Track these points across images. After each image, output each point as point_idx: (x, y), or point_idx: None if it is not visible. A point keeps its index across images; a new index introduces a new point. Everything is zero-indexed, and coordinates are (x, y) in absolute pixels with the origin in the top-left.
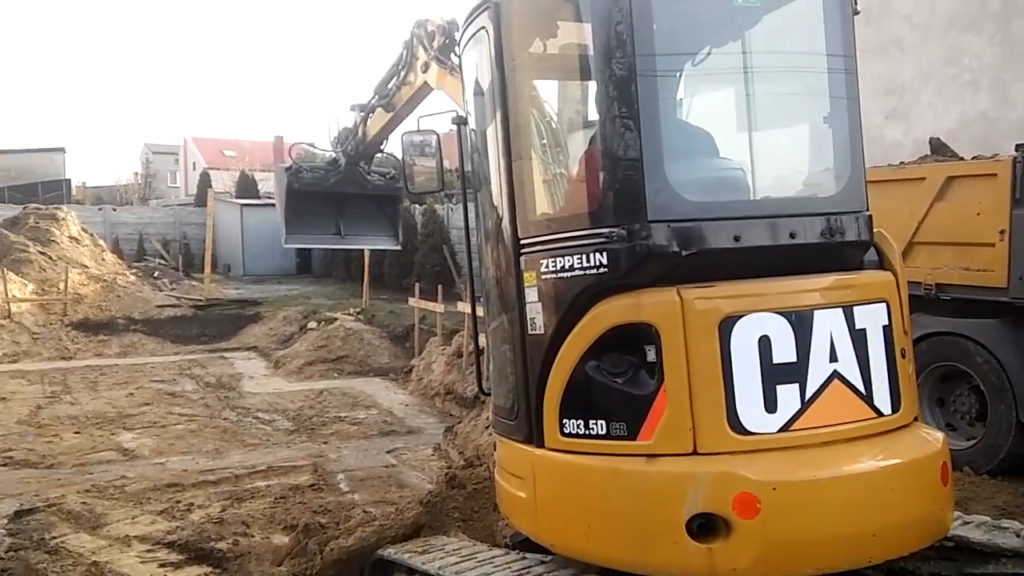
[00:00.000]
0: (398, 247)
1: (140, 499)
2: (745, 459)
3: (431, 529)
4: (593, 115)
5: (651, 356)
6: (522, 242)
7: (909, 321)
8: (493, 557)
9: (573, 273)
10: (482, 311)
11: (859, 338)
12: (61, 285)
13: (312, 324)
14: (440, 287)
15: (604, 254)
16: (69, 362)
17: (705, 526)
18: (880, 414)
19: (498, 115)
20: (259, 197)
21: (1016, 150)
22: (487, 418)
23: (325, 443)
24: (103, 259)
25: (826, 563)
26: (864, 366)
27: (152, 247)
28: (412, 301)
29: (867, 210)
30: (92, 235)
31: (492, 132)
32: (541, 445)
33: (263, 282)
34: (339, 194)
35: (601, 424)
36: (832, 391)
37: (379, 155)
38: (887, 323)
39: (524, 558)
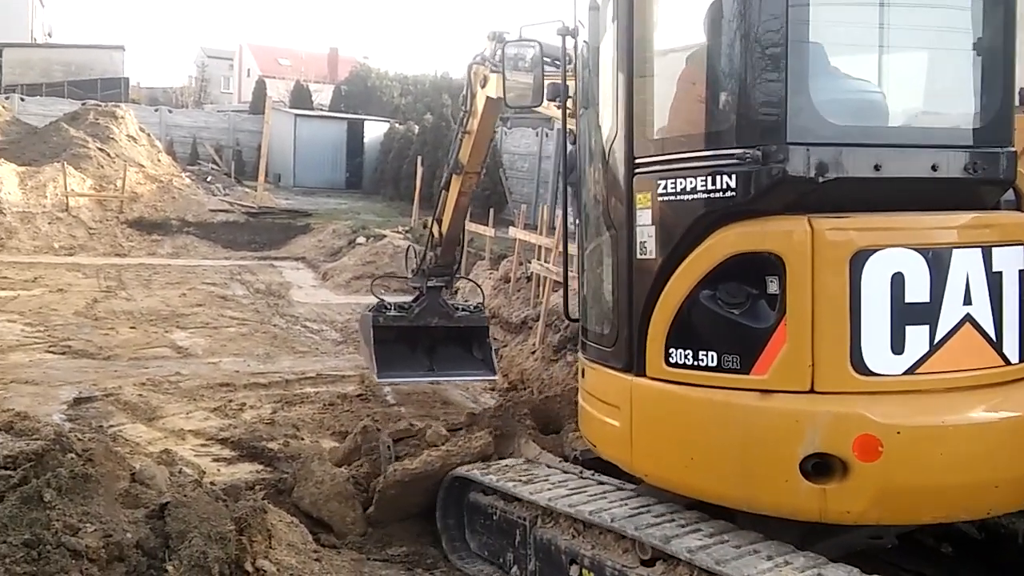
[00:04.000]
0: (495, 377)
1: (194, 396)
2: (867, 400)
3: (503, 437)
4: (730, 28)
5: (772, 288)
6: (637, 161)
7: None
8: (589, 486)
9: (695, 196)
10: (575, 235)
11: (995, 281)
12: (118, 182)
13: (361, 239)
14: (492, 211)
15: (733, 177)
16: (123, 259)
17: (820, 466)
18: (1008, 362)
19: (619, 25)
20: (313, 108)
21: None
22: (533, 344)
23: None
24: (159, 160)
25: (944, 512)
26: (997, 311)
27: (205, 151)
28: (463, 236)
29: (1012, 146)
30: (149, 135)
31: (610, 45)
32: (642, 374)
33: (313, 194)
34: (427, 328)
35: (712, 356)
36: (962, 335)
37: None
38: (1023, 268)
39: (634, 492)
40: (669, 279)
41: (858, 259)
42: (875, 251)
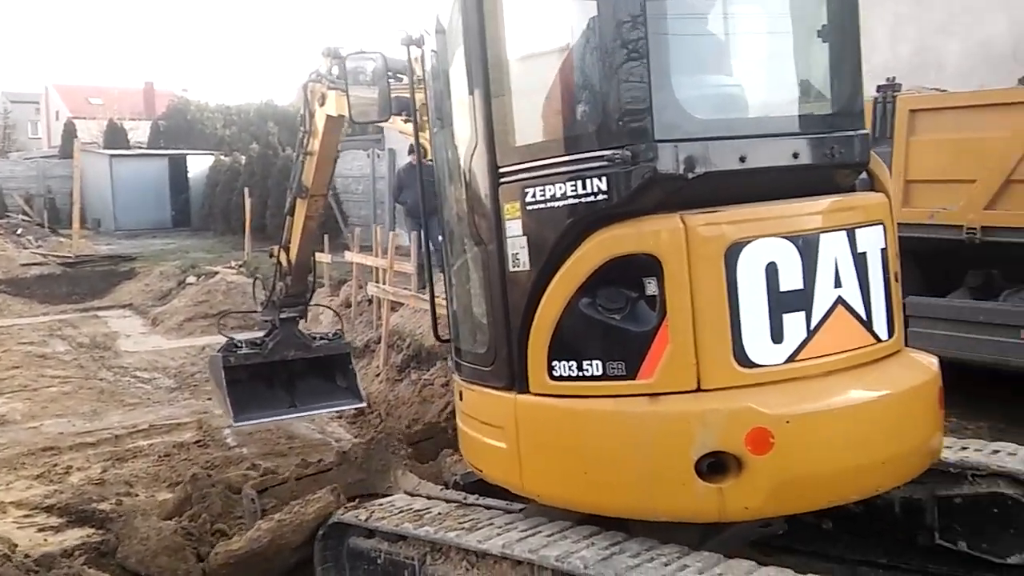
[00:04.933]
0: (363, 404)
1: (14, 465)
2: (754, 393)
3: (379, 472)
4: (590, 28)
5: (651, 289)
6: (501, 171)
7: (897, 243)
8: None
9: (565, 202)
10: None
11: (860, 262)
12: None
13: (191, 279)
14: (326, 237)
15: (603, 179)
16: None
17: (715, 465)
18: (878, 340)
19: (469, 38)
20: (129, 147)
21: None
22: (377, 366)
23: (209, 399)
24: None
25: (837, 495)
26: (865, 291)
27: (14, 203)
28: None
29: (865, 129)
30: None
31: (462, 49)
32: (525, 391)
33: (137, 236)
34: (284, 362)
35: (596, 364)
36: (836, 318)
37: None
38: (884, 246)
39: (523, 514)
40: (546, 290)
41: (732, 252)
42: (748, 242)
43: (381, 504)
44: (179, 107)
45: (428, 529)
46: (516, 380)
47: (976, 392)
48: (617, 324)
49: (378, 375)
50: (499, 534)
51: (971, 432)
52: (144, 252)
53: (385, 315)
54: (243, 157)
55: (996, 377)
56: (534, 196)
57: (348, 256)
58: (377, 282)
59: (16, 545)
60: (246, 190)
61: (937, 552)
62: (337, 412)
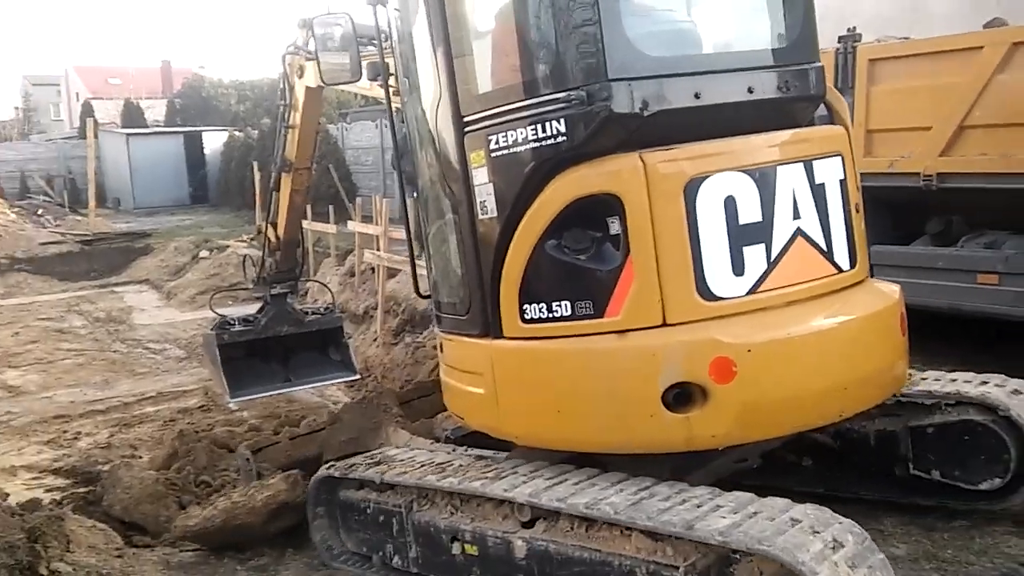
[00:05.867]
0: (357, 376)
1: (26, 432)
2: (717, 325)
3: (371, 429)
4: None
5: (615, 228)
6: (466, 120)
7: (858, 176)
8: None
9: (527, 146)
10: (412, 211)
11: (819, 193)
12: None
13: (204, 252)
14: (332, 208)
15: (562, 121)
16: None
17: (681, 396)
18: (840, 270)
19: None
20: (146, 126)
21: None
22: (375, 331)
23: None
24: None
25: (800, 420)
26: (824, 222)
27: (36, 184)
28: (305, 224)
29: (819, 61)
30: None
31: (422, 4)
32: (499, 336)
33: (156, 214)
34: (278, 338)
35: (565, 305)
36: (796, 249)
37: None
38: (843, 177)
39: (506, 458)
40: (514, 235)
41: (691, 187)
42: (706, 177)
43: (368, 457)
44: (194, 84)
45: (413, 476)
46: (491, 326)
47: (936, 338)
48: (583, 264)
49: (375, 340)
50: (481, 477)
51: None
52: (160, 229)
53: (380, 281)
54: (255, 132)
55: (957, 323)
56: (497, 143)
57: (351, 226)
58: (376, 250)
59: (7, 494)
60: (254, 164)
61: (913, 482)
62: (333, 383)
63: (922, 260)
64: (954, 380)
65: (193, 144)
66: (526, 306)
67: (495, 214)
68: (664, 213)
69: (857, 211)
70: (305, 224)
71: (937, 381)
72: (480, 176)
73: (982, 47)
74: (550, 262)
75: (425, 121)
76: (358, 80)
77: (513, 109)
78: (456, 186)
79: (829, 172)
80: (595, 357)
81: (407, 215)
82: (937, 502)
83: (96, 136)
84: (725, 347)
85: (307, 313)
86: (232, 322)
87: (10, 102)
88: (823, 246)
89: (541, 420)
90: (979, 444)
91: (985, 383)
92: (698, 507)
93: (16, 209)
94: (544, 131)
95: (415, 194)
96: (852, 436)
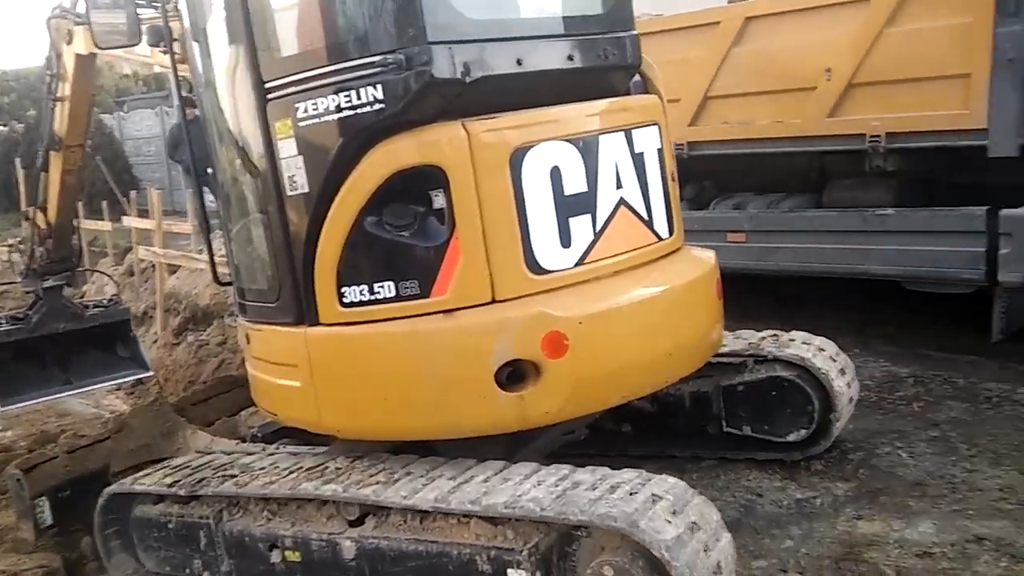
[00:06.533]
0: (150, 372)
1: None
2: (547, 298)
3: (166, 435)
4: None
5: (439, 202)
6: (267, 86)
7: (672, 145)
8: (272, 460)
9: (341, 114)
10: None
11: (639, 162)
12: None
13: None
14: (106, 204)
15: (378, 87)
16: None
17: (514, 374)
18: (660, 238)
19: None
20: None
21: None
22: (155, 332)
23: None
24: None
25: (630, 390)
26: (645, 191)
27: None
28: (77, 222)
29: (634, 30)
30: None
31: None
32: (315, 323)
33: None
34: (54, 336)
35: (389, 286)
36: (620, 219)
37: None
38: (660, 146)
39: (326, 453)
40: (328, 211)
41: (516, 157)
42: (532, 147)
43: (164, 467)
44: None
45: (219, 485)
46: (305, 313)
47: None
48: (407, 241)
49: (155, 341)
50: (299, 476)
51: None
52: None
53: (159, 278)
54: (20, 126)
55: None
56: (306, 111)
57: (126, 221)
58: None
59: None
60: (17, 161)
61: (726, 438)
62: (119, 384)
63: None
64: (762, 338)
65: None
66: (345, 289)
67: (306, 190)
68: (490, 185)
69: (673, 180)
70: (77, 222)
71: (743, 340)
72: (287, 148)
73: (719, 22)
74: (371, 240)
75: (221, 88)
76: (136, 44)
77: (323, 74)
78: (258, 159)
79: (648, 141)
80: (423, 339)
81: (197, 198)
82: (747, 456)
83: None
84: (557, 321)
85: (87, 306)
86: (0, 320)
87: None
88: (645, 215)
89: (367, 411)
90: (785, 399)
91: (793, 340)
92: (521, 484)
93: None
94: (359, 98)
95: (208, 172)
96: (668, 400)
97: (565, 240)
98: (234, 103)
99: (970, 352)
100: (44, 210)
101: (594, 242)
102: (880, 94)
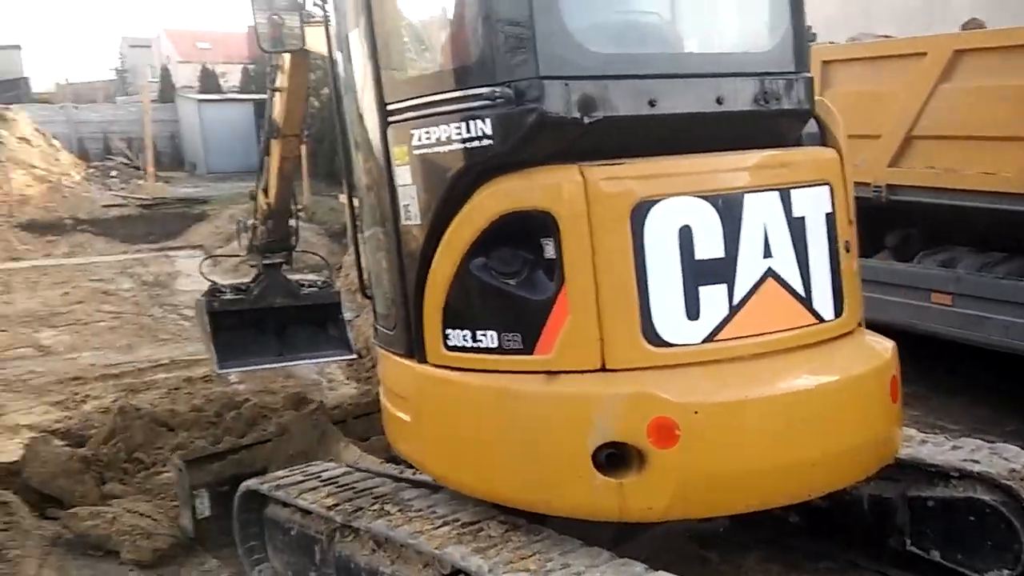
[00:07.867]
0: (352, 356)
1: (41, 392)
2: (663, 376)
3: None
4: None
5: (549, 251)
6: (389, 108)
7: (854, 209)
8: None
9: (451, 147)
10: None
11: (797, 228)
12: (6, 187)
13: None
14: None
15: (487, 121)
16: (17, 263)
17: (615, 457)
18: (820, 319)
19: None
20: (221, 91)
21: None
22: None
23: None
24: (57, 160)
25: (757, 499)
26: (803, 262)
27: (117, 146)
28: (342, 198)
29: (808, 71)
30: (46, 136)
31: None
32: (424, 360)
33: (228, 179)
34: (272, 309)
35: (491, 336)
36: (765, 292)
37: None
38: (830, 210)
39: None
40: (438, 246)
41: (639, 212)
42: (658, 201)
43: (300, 474)
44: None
45: (333, 504)
46: (415, 347)
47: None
48: (512, 290)
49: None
50: (405, 518)
51: None
52: (220, 195)
53: None
54: (316, 102)
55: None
56: (420, 139)
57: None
58: None
59: None
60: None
61: (909, 558)
62: (325, 363)
63: (880, 275)
64: (959, 448)
65: (263, 111)
66: (449, 331)
67: (419, 220)
68: (605, 239)
69: (848, 250)
70: (342, 198)
71: (940, 447)
72: (403, 176)
73: (925, 53)
74: (476, 284)
75: (355, 102)
76: (298, 48)
77: (435, 102)
78: (379, 181)
79: (812, 203)
80: (519, 400)
81: (351, 203)
82: None
83: (172, 101)
84: (668, 405)
85: (303, 285)
86: (224, 290)
87: (111, 63)
88: (800, 291)
89: (463, 464)
90: (986, 527)
91: (995, 454)
92: None
93: (91, 170)
94: (469, 131)
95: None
96: (844, 496)
97: (692, 311)
98: (364, 120)
99: None
100: (266, 192)
101: (729, 317)
102: None
